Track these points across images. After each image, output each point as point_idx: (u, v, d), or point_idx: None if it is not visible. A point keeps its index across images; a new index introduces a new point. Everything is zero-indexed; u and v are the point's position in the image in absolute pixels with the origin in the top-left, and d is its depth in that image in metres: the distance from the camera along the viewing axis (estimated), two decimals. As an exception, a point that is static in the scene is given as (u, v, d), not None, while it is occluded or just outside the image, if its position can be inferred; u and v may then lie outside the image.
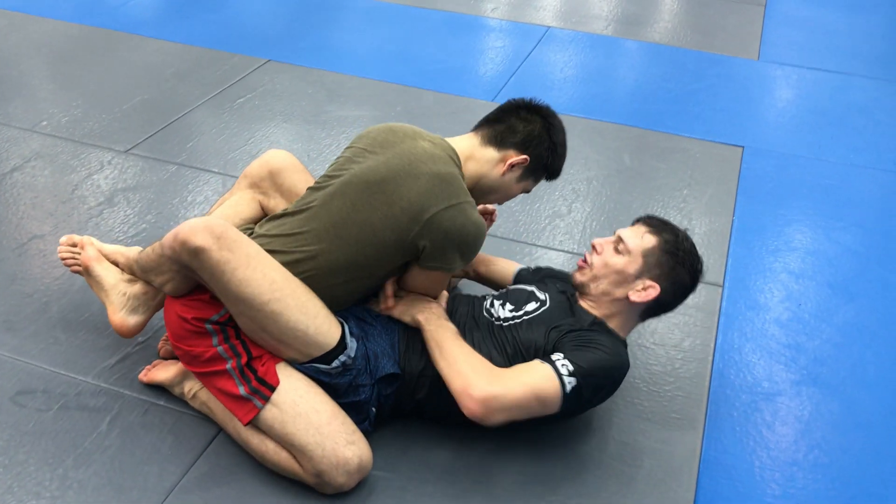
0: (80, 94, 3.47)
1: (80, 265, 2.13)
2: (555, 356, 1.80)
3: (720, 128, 3.51)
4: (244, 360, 1.81)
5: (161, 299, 2.06)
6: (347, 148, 2.01)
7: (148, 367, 2.08)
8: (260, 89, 3.61)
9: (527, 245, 2.69)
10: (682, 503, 1.85)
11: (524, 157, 1.97)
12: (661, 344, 2.30)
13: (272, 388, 1.78)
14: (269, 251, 1.82)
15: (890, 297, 2.56)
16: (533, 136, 1.98)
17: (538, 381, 1.76)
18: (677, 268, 1.93)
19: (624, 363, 1.88)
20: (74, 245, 2.15)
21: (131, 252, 2.11)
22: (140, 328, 2.08)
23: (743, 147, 3.36)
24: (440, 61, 4.00)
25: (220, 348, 1.82)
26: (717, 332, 2.36)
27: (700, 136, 3.43)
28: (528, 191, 2.08)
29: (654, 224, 1.98)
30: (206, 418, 1.97)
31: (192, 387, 1.97)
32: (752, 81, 4.01)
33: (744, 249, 2.73)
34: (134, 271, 2.07)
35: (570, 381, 1.76)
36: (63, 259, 2.15)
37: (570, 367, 1.77)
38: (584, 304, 1.99)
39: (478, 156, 1.98)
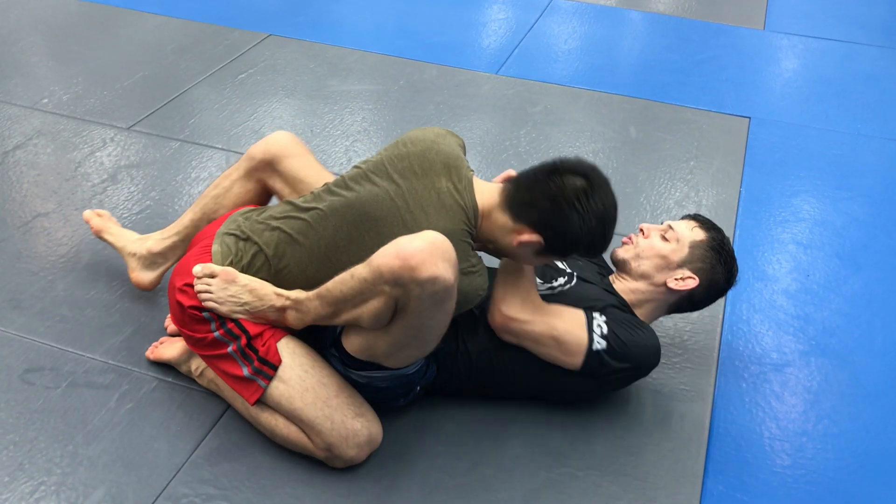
0: (80, 71, 3.44)
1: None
2: (596, 314, 1.83)
3: (726, 99, 3.48)
4: (244, 341, 1.79)
5: (177, 253, 2.16)
6: (382, 150, 1.90)
7: (154, 344, 2.08)
8: (261, 64, 3.58)
9: (533, 218, 2.67)
10: (692, 474, 1.86)
11: (537, 238, 1.72)
12: (669, 316, 2.28)
13: (274, 367, 1.78)
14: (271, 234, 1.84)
15: (898, 266, 2.55)
16: (550, 218, 1.71)
17: (567, 327, 1.82)
18: (717, 266, 1.96)
19: (657, 352, 1.88)
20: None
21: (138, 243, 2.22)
22: (157, 281, 2.20)
23: (749, 118, 3.34)
24: (442, 34, 3.96)
25: (216, 334, 1.81)
26: (725, 304, 2.34)
27: (706, 108, 3.40)
28: (551, 265, 2.01)
29: (704, 221, 2.02)
30: (214, 394, 1.97)
31: (198, 364, 1.97)
32: (758, 51, 3.96)
33: (751, 221, 2.72)
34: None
35: (599, 343, 1.80)
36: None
37: (605, 331, 1.80)
38: (617, 284, 2.00)
39: (494, 217, 1.77)
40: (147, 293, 2.25)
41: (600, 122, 3.26)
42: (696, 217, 2.05)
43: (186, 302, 1.82)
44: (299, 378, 1.77)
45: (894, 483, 1.88)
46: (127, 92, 3.30)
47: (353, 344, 1.77)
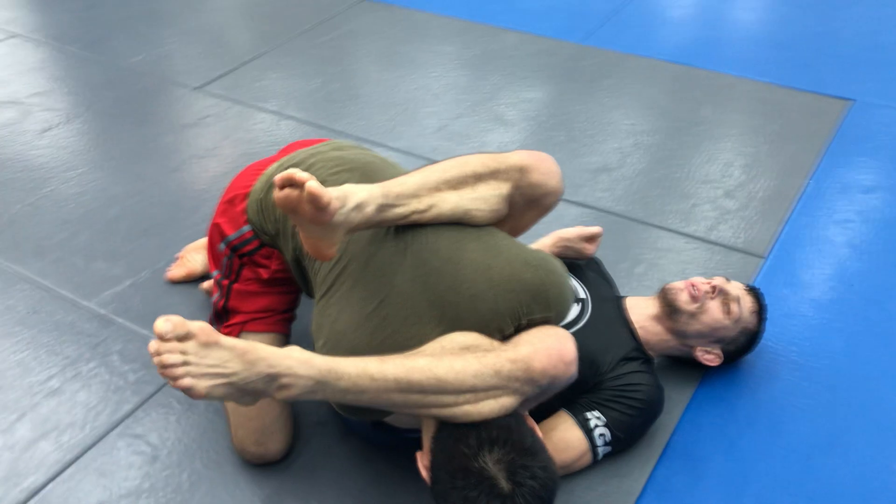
0: (174, 32, 3.61)
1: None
2: (591, 419, 1.67)
3: (829, 78, 3.10)
4: (220, 304, 1.78)
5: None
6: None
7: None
8: (345, 28, 3.60)
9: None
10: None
11: (426, 473, 1.43)
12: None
13: None
14: None
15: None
16: (440, 476, 1.35)
17: (570, 455, 1.67)
18: (742, 351, 1.88)
19: (659, 409, 1.75)
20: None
21: None
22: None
23: (854, 101, 2.96)
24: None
25: (215, 275, 1.79)
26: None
27: (803, 88, 3.05)
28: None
29: (763, 307, 1.87)
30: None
31: None
32: (884, 25, 3.50)
33: (806, 217, 2.42)
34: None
35: (603, 450, 1.69)
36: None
37: (608, 437, 1.67)
38: (634, 312, 1.85)
39: None
40: (160, 252, 2.35)
41: (672, 99, 3.01)
42: (759, 298, 1.87)
43: (217, 217, 1.76)
44: None
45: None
46: (207, 52, 3.42)
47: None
